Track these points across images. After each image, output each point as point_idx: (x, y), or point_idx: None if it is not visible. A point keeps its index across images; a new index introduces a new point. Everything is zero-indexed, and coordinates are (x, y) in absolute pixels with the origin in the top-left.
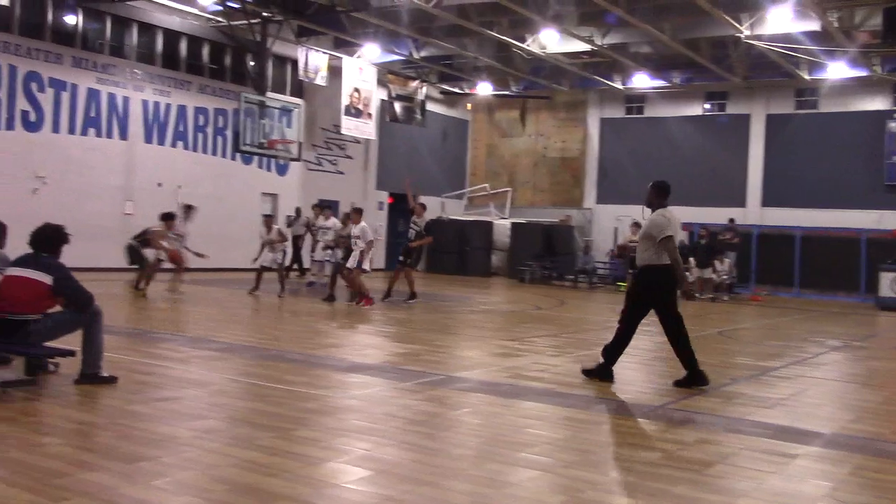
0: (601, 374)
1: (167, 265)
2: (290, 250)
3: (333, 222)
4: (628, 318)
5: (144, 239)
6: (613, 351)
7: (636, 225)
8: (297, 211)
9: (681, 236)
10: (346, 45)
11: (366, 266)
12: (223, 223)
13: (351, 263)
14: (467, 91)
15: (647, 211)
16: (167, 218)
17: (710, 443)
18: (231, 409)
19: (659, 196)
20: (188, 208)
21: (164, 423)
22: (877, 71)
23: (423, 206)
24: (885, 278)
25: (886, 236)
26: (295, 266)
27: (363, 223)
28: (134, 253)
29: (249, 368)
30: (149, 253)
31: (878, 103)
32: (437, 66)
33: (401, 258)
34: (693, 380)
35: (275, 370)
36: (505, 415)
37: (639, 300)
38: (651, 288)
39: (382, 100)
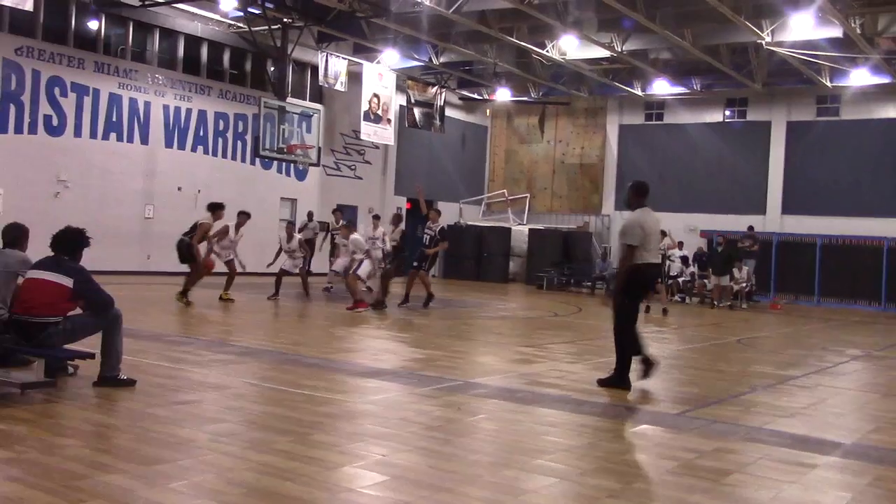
0: (618, 382)
1: (223, 269)
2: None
3: (381, 231)
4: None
5: (194, 234)
6: (624, 356)
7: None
8: (310, 215)
9: (658, 237)
10: (365, 51)
11: (361, 273)
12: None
13: (353, 269)
14: (486, 97)
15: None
16: (214, 208)
17: (728, 451)
18: (248, 413)
19: (636, 195)
20: (244, 216)
21: (181, 426)
22: None
23: (438, 212)
24: None
25: None
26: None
27: (354, 235)
28: (184, 249)
29: (267, 372)
30: (200, 250)
31: None
32: (456, 71)
33: (415, 263)
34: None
35: (292, 374)
36: (522, 421)
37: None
38: (635, 285)
39: (401, 105)
